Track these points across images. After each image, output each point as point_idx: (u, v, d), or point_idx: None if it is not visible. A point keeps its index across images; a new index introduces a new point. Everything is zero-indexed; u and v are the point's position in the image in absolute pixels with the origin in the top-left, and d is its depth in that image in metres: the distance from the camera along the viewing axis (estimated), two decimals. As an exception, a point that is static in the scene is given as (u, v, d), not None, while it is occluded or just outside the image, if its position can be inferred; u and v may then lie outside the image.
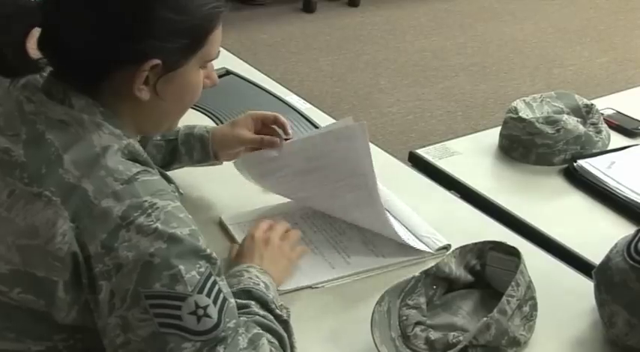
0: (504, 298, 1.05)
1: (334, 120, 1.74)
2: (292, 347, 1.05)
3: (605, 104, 1.82)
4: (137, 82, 0.97)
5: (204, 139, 1.37)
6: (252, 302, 1.05)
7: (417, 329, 1.11)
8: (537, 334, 1.11)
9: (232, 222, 1.35)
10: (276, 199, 1.41)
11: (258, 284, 1.09)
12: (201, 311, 0.89)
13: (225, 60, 1.98)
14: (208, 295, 0.90)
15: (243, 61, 2.02)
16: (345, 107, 3.53)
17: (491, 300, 1.11)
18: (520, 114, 1.63)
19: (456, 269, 1.18)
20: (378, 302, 1.08)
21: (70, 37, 0.95)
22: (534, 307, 1.11)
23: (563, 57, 4.17)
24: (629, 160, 1.59)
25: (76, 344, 0.96)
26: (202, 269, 0.91)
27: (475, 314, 1.16)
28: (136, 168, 0.93)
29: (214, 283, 0.92)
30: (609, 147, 1.65)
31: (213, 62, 1.05)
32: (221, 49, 1.07)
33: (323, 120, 1.73)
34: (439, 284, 1.18)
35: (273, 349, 0.99)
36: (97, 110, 0.97)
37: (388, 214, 1.30)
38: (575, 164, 1.57)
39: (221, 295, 0.92)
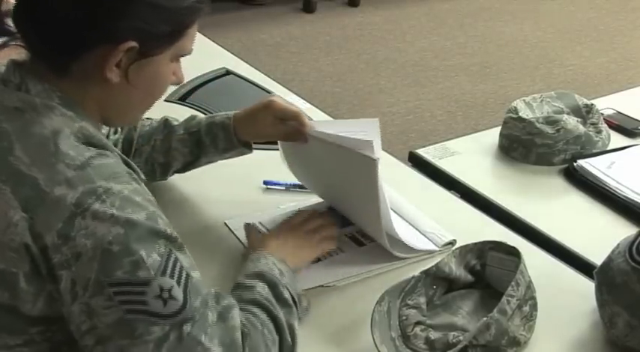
0: (504, 298, 1.05)
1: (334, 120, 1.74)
2: (292, 332, 1.04)
3: (605, 104, 1.82)
4: (111, 61, 0.96)
5: (225, 125, 1.32)
6: (260, 284, 1.06)
7: (417, 329, 1.11)
8: (537, 334, 1.11)
9: (237, 226, 1.34)
10: (277, 202, 1.40)
11: (273, 270, 1.09)
12: (166, 294, 0.89)
13: (225, 60, 1.98)
14: (172, 276, 0.90)
15: (243, 61, 2.02)
16: (345, 107, 3.53)
17: (491, 300, 1.11)
18: (520, 114, 1.63)
19: (456, 269, 1.18)
20: (378, 302, 1.08)
21: (54, 8, 0.94)
22: (534, 307, 1.11)
23: (563, 57, 4.17)
24: (629, 160, 1.59)
25: (54, 336, 0.95)
26: (162, 250, 0.90)
27: (475, 314, 1.16)
28: (89, 152, 0.92)
29: (176, 260, 0.91)
30: (609, 147, 1.65)
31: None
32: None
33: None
34: (439, 284, 1.18)
35: (250, 320, 0.98)
36: (54, 95, 0.96)
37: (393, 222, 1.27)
38: (575, 164, 1.57)
39: (184, 272, 0.91)
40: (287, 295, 1.06)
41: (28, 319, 0.93)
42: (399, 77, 3.89)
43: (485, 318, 1.04)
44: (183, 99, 1.79)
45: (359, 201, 1.29)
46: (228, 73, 1.93)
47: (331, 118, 1.76)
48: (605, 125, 1.69)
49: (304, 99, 1.83)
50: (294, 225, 1.25)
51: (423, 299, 1.14)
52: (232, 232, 1.33)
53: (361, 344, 1.08)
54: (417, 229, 1.35)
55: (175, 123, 1.37)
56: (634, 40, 4.43)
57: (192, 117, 1.37)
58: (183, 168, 1.38)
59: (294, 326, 1.05)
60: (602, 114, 1.72)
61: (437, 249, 1.30)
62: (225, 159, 1.37)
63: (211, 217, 1.37)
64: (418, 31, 4.47)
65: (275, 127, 1.29)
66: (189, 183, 1.43)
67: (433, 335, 1.10)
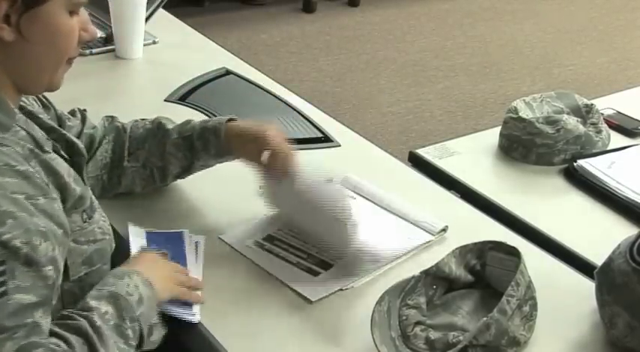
0: (504, 298, 1.05)
1: (334, 120, 1.74)
2: None
3: (605, 104, 1.82)
4: None
5: (217, 131, 1.29)
6: (102, 310, 0.97)
7: (417, 329, 1.11)
8: (537, 334, 1.11)
9: (233, 239, 1.32)
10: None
11: (132, 295, 1.01)
12: None
13: (225, 60, 1.98)
14: None
15: (243, 61, 2.02)
16: (345, 107, 3.53)
17: (491, 300, 1.11)
18: (520, 114, 1.63)
19: (456, 269, 1.18)
20: (378, 302, 1.08)
21: None
22: (534, 307, 1.11)
23: (563, 57, 4.17)
24: (629, 160, 1.59)
25: None
26: None
27: (475, 314, 1.16)
28: None
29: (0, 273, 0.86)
30: (609, 147, 1.65)
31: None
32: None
33: (323, 120, 1.73)
34: (439, 284, 1.18)
35: None
36: None
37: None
38: (575, 164, 1.57)
39: None
40: (131, 332, 0.98)
41: None
42: (399, 77, 3.89)
43: (485, 318, 1.04)
44: (183, 99, 1.78)
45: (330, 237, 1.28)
46: (228, 72, 1.92)
47: (331, 118, 1.76)
48: (605, 125, 1.69)
49: (304, 99, 1.83)
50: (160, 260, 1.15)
51: (423, 299, 1.14)
52: (229, 245, 1.31)
53: (361, 344, 1.08)
54: (409, 221, 1.36)
55: (170, 126, 1.35)
56: (634, 40, 4.43)
57: (187, 122, 1.35)
58: (183, 172, 1.36)
59: None
60: (602, 114, 1.72)
61: (432, 238, 1.32)
62: (221, 163, 1.35)
63: (205, 226, 1.34)
64: (418, 31, 4.47)
65: (260, 156, 1.26)
66: (184, 191, 1.42)
67: (433, 335, 1.10)
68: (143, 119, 1.39)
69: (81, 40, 1.03)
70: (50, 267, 0.92)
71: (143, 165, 1.34)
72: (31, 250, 0.89)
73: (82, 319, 0.95)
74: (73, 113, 1.31)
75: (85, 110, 1.35)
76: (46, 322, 0.91)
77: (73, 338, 0.92)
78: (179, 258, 1.22)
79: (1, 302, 0.86)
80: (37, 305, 0.90)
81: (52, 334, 0.92)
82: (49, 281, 0.92)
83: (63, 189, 1.01)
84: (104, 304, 0.98)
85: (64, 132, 1.12)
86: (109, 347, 0.95)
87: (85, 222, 1.05)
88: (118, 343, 0.96)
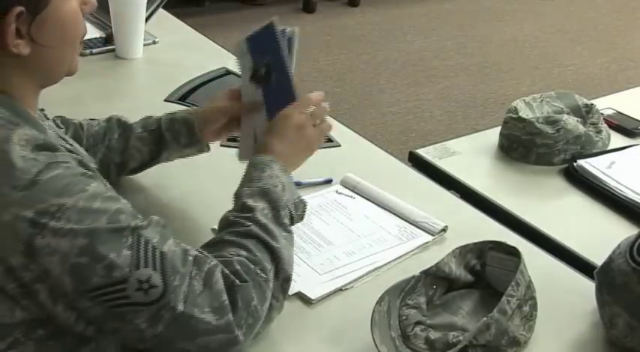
0: (504, 298, 1.05)
1: (334, 120, 1.74)
2: (290, 261, 1.04)
3: (605, 104, 1.82)
4: (9, 38, 0.91)
5: (188, 121, 1.31)
6: (260, 207, 1.05)
7: (417, 329, 1.11)
8: (537, 334, 1.11)
9: None
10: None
11: (277, 186, 1.09)
12: (146, 285, 0.90)
13: (225, 60, 1.98)
14: (146, 264, 0.90)
15: (243, 60, 2.02)
16: (345, 107, 3.54)
17: (492, 300, 1.11)
18: (520, 114, 1.63)
19: (456, 269, 1.18)
20: (378, 302, 1.08)
21: None
22: (534, 307, 1.11)
23: (563, 57, 4.18)
24: (629, 160, 1.59)
25: (37, 333, 0.93)
26: (130, 241, 0.90)
27: (475, 314, 1.16)
28: (36, 166, 0.88)
29: (146, 245, 0.91)
30: (609, 147, 1.65)
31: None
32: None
33: (323, 120, 1.73)
34: (439, 283, 1.18)
35: (241, 265, 0.98)
36: None
37: None
38: (575, 164, 1.57)
39: (157, 253, 0.91)
40: (287, 219, 1.07)
41: (9, 326, 0.91)
42: (399, 77, 3.89)
43: (485, 318, 1.04)
44: (183, 99, 1.78)
45: None
46: (228, 72, 1.92)
47: (331, 118, 1.76)
48: (605, 125, 1.69)
49: (304, 99, 1.83)
50: (298, 125, 1.20)
51: (423, 299, 1.14)
52: None
53: (361, 344, 1.08)
54: (409, 222, 1.36)
55: (131, 121, 1.34)
56: (634, 40, 4.44)
57: (149, 117, 1.35)
58: (140, 168, 1.36)
59: (291, 253, 1.06)
60: (602, 114, 1.72)
61: (432, 238, 1.32)
62: (185, 156, 1.36)
63: (199, 218, 1.35)
64: (418, 31, 4.47)
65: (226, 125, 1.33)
66: (178, 185, 1.42)
67: (433, 335, 1.10)
68: (92, 119, 1.37)
69: (84, 15, 1.02)
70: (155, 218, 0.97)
71: (101, 161, 1.31)
72: (143, 220, 0.94)
73: (248, 222, 1.03)
74: None
75: (43, 110, 1.29)
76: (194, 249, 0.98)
77: (248, 242, 1.01)
78: (280, 64, 1.29)
79: (167, 263, 0.91)
80: (179, 243, 0.96)
81: (229, 243, 1.01)
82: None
83: None
84: (259, 200, 1.06)
85: (72, 143, 1.11)
86: (278, 239, 1.04)
87: None
88: (281, 233, 1.05)
